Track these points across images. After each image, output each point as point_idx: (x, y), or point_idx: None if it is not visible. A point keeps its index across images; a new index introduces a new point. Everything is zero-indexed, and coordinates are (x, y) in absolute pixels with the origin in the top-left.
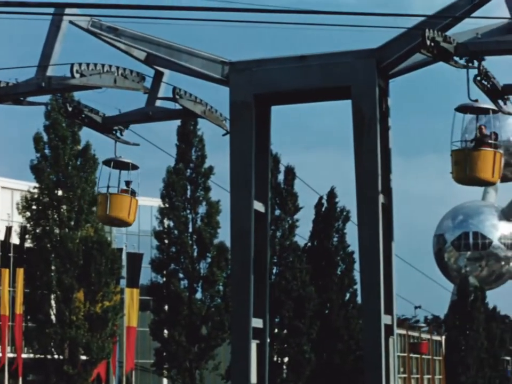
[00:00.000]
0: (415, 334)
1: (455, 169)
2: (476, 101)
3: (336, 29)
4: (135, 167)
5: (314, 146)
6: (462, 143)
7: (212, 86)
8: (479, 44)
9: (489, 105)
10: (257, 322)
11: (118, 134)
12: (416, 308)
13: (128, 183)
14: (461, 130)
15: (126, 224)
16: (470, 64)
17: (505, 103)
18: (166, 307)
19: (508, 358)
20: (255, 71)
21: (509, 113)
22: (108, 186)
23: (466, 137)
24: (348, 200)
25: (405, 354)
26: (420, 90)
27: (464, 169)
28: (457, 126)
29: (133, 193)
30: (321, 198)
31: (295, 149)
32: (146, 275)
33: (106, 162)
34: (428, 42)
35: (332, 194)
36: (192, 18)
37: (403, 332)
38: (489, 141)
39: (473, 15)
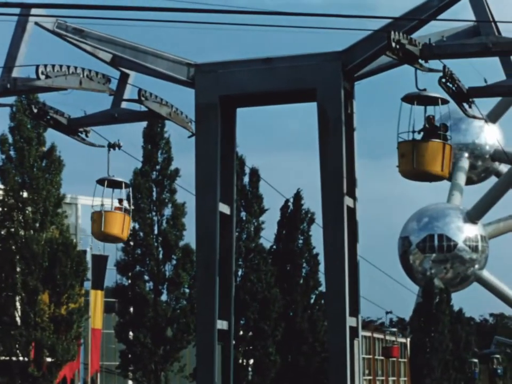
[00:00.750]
0: (381, 336)
1: (401, 162)
2: (424, 90)
3: (302, 31)
4: (127, 186)
5: (280, 148)
6: (409, 135)
7: (177, 88)
8: (444, 47)
9: (438, 94)
10: (222, 325)
11: (83, 136)
12: (387, 313)
13: (120, 201)
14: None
15: (119, 240)
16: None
17: (470, 106)
18: (131, 309)
19: (475, 360)
20: (221, 73)
21: (474, 117)
22: (102, 205)
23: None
24: (313, 202)
25: (370, 356)
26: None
27: (411, 162)
28: (406, 116)
29: (126, 211)
30: (287, 200)
31: (260, 151)
32: (111, 277)
33: (100, 182)
34: (393, 44)
35: (298, 197)
36: (157, 19)
37: (368, 334)
38: (439, 132)
39: (439, 17)
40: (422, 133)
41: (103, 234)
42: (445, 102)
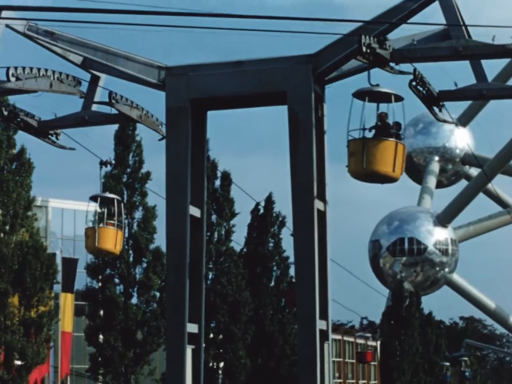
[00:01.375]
0: (351, 339)
1: (350, 162)
2: (377, 85)
3: (272, 34)
4: (119, 202)
5: (252, 152)
6: (360, 133)
7: (148, 91)
8: (415, 51)
9: (390, 90)
10: (192, 328)
11: (54, 138)
12: (362, 318)
13: (112, 216)
14: (360, 118)
15: (112, 254)
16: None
17: (440, 110)
18: (102, 312)
19: (447, 363)
20: (191, 76)
21: (444, 121)
22: (96, 221)
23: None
24: (284, 205)
25: (341, 359)
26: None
27: (361, 161)
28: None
29: (118, 226)
30: (257, 204)
31: (232, 154)
32: (81, 280)
33: (93, 198)
34: (364, 49)
35: (269, 200)
36: (128, 23)
37: (338, 337)
38: (391, 131)
39: (410, 21)
40: (373, 131)
41: (96, 249)
42: (398, 98)
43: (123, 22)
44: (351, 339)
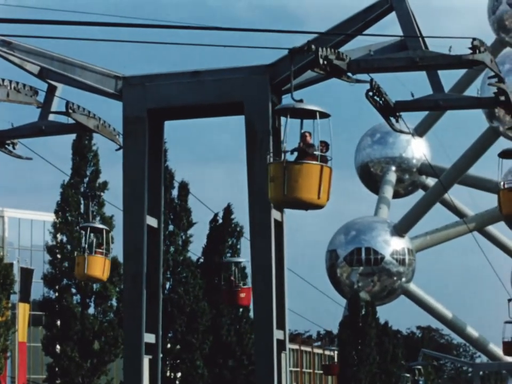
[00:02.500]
0: (308, 349)
1: (271, 187)
2: (300, 101)
3: (230, 44)
4: (108, 232)
5: (210, 161)
6: (282, 155)
7: (105, 100)
8: (371, 61)
9: (315, 106)
10: (149, 338)
11: (11, 148)
12: (326, 332)
13: (100, 245)
14: (283, 138)
15: (100, 280)
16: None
17: (397, 121)
18: (59, 322)
19: (407, 374)
20: (149, 86)
21: (400, 131)
22: (85, 249)
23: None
24: (242, 215)
25: (298, 369)
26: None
27: (282, 187)
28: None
29: (106, 254)
30: (216, 214)
31: (190, 164)
32: (38, 290)
33: (83, 228)
34: (321, 60)
35: (227, 210)
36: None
37: (296, 346)
38: (315, 153)
39: (366, 31)
40: (295, 153)
41: (86, 276)
42: (324, 115)
43: (80, 33)
44: (308, 349)
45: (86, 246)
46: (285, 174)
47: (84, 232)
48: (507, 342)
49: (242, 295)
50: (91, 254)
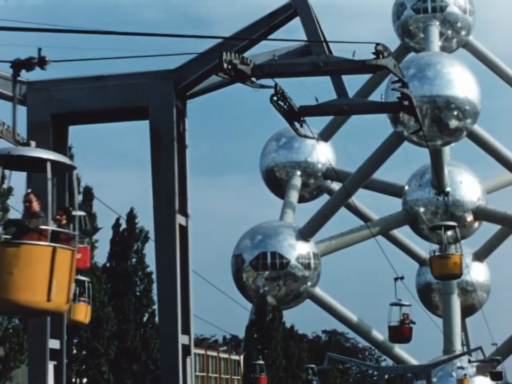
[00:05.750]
0: (214, 354)
1: None
2: (27, 144)
3: (135, 49)
4: (89, 283)
5: (117, 166)
6: None
7: (8, 105)
8: (275, 66)
9: (52, 154)
10: (54, 343)
11: None
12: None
13: (82, 294)
14: None
15: (84, 324)
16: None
17: (301, 125)
18: None
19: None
20: (52, 91)
21: (305, 136)
22: (73, 299)
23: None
24: (148, 220)
25: (204, 374)
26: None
27: None
28: None
29: (88, 302)
30: (118, 218)
31: (97, 169)
32: None
33: None
34: (225, 65)
35: (131, 215)
36: None
37: (202, 351)
38: (42, 227)
39: (271, 36)
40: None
41: (71, 320)
42: (63, 167)
43: None
44: (214, 353)
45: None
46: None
47: None
48: (394, 327)
49: (79, 255)
50: (75, 302)
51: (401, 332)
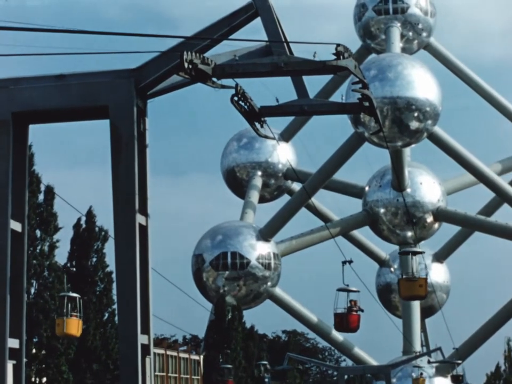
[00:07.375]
0: (174, 353)
1: None
2: None
3: (96, 48)
4: (80, 299)
5: (78, 165)
6: None
7: None
8: (236, 66)
9: None
10: (13, 343)
11: None
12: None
13: (74, 309)
14: None
15: (76, 337)
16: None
17: (262, 126)
18: None
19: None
20: (13, 89)
21: (265, 136)
22: (64, 314)
23: None
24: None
25: (164, 374)
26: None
27: None
28: None
29: (80, 317)
30: (79, 218)
31: (59, 168)
32: None
33: (61, 297)
34: (186, 64)
35: (90, 214)
36: None
37: (161, 351)
38: None
39: (232, 36)
40: None
41: (64, 333)
42: None
43: None
44: (174, 353)
45: (64, 310)
46: None
47: (60, 300)
48: (340, 314)
49: None
50: (67, 317)
51: (347, 320)
